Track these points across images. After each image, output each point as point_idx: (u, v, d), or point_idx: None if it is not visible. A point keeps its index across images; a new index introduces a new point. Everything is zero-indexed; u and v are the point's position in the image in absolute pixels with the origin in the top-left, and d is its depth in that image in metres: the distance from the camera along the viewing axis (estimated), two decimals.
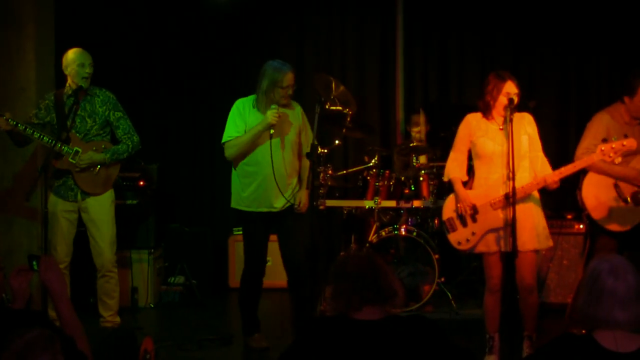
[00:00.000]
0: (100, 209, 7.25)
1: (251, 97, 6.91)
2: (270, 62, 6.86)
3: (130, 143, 7.27)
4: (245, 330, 7.09)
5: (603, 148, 5.90)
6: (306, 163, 6.94)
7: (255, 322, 7.08)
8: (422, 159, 8.65)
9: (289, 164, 6.89)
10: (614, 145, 5.88)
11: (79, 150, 7.04)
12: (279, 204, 6.87)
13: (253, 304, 7.09)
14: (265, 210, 6.86)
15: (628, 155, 6.63)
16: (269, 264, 7.67)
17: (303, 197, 6.96)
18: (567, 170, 6.09)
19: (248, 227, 7.01)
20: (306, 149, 6.85)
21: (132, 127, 7.34)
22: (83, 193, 7.17)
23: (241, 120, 6.82)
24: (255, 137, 6.71)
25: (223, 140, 6.86)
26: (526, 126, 6.26)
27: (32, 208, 7.80)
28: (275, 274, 8.44)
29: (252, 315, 7.08)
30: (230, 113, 6.91)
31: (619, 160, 6.10)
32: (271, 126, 6.64)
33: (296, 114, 6.98)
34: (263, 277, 7.09)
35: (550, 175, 6.06)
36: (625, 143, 5.88)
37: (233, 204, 6.97)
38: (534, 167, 6.23)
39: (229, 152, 6.85)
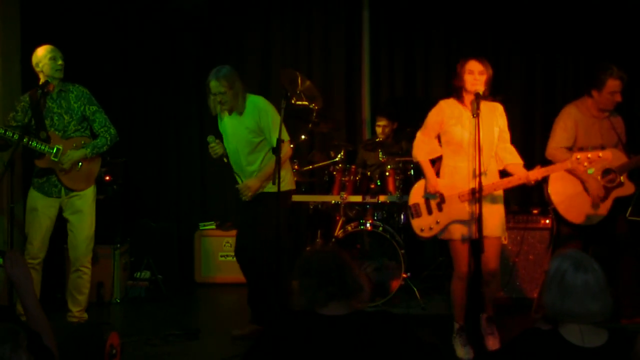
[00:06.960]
0: (84, 204, 7.24)
1: None
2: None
3: (108, 136, 7.27)
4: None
5: (579, 157, 5.96)
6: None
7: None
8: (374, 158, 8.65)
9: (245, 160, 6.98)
10: (589, 155, 5.94)
11: (60, 148, 7.03)
12: None
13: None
14: None
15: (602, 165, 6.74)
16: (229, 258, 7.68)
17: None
18: (554, 169, 6.22)
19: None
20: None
21: (107, 119, 7.34)
22: (67, 189, 7.16)
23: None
24: None
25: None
26: (498, 118, 6.35)
27: None
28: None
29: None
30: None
31: (592, 170, 6.18)
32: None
33: (248, 113, 6.90)
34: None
35: (535, 173, 6.10)
36: (601, 155, 5.93)
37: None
38: (502, 158, 6.32)
39: None
